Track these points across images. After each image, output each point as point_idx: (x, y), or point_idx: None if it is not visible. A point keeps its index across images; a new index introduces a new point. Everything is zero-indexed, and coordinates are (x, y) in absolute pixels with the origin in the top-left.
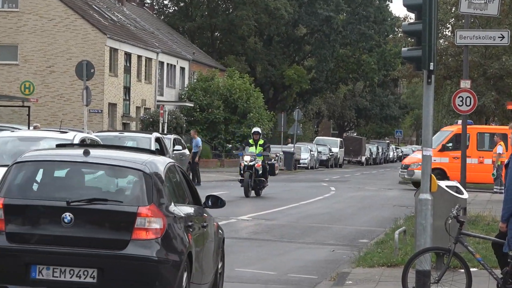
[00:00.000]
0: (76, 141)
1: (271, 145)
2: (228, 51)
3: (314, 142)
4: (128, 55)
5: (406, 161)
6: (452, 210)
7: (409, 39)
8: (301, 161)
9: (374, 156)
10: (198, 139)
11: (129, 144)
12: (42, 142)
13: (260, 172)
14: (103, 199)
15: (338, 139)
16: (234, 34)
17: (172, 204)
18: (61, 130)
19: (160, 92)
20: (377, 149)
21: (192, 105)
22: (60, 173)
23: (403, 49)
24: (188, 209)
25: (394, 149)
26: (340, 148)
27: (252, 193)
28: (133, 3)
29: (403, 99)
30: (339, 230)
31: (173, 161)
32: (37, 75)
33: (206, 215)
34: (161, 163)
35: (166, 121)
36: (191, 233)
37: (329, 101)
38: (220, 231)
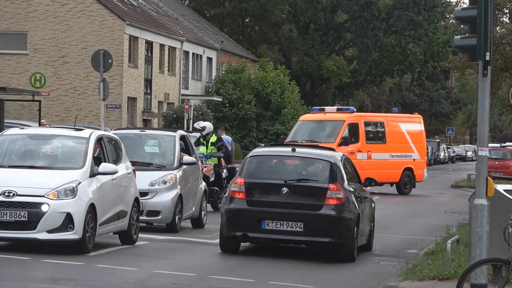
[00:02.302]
0: (93, 139)
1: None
2: (260, 39)
3: None
4: (149, 44)
5: None
6: (511, 217)
7: (462, 26)
8: None
9: None
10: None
11: (151, 143)
12: (55, 141)
13: (212, 179)
14: (306, 179)
15: None
16: (266, 21)
17: (346, 182)
18: (75, 127)
19: (185, 85)
20: (426, 149)
21: (221, 99)
22: (276, 162)
23: (455, 37)
24: (356, 186)
25: (445, 149)
26: None
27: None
28: None
29: (455, 93)
30: (384, 239)
31: (345, 154)
32: (48, 66)
33: (365, 190)
34: (339, 156)
35: (192, 117)
36: (359, 201)
37: (373, 95)
38: (373, 203)
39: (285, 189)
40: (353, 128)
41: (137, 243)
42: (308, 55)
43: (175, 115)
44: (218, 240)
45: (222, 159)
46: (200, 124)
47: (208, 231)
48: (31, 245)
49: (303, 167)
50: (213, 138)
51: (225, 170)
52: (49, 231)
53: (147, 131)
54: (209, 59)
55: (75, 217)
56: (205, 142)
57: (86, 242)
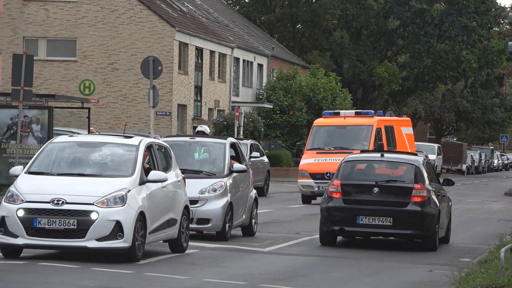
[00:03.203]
0: (143, 147)
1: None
2: (311, 45)
3: None
4: (199, 51)
5: (317, 168)
6: None
7: None
8: None
9: (476, 164)
10: None
11: (201, 150)
12: (104, 148)
13: None
14: (394, 180)
15: (436, 145)
16: (318, 27)
17: (428, 182)
18: (125, 134)
19: (236, 92)
20: (480, 156)
21: (271, 106)
22: (367, 166)
23: (509, 43)
24: (436, 186)
25: (499, 156)
26: (437, 155)
27: None
28: None
29: (509, 100)
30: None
31: (425, 158)
32: (98, 73)
33: (443, 189)
34: (421, 160)
35: (242, 124)
36: (439, 199)
37: (426, 102)
38: (450, 201)
39: (376, 189)
40: (379, 134)
41: (187, 251)
42: (360, 61)
43: (225, 123)
44: (269, 248)
45: None
46: (204, 128)
47: (259, 239)
48: (81, 253)
49: (391, 169)
50: None
51: None
52: (99, 239)
53: (197, 139)
54: (260, 66)
55: (125, 225)
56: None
57: (135, 250)
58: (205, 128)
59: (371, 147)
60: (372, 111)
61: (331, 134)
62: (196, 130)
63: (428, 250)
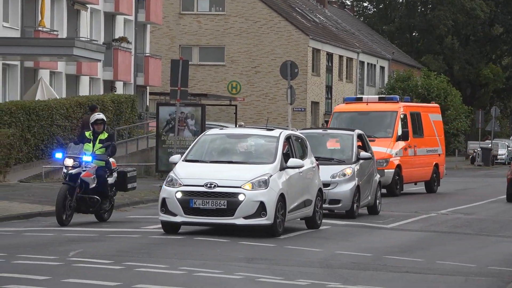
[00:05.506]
0: (282, 138)
1: (470, 142)
2: (426, 50)
3: (511, 138)
4: (329, 55)
5: None
6: None
7: None
8: (498, 156)
9: None
10: None
11: (332, 141)
12: (249, 139)
13: (93, 185)
14: None
15: None
16: (431, 34)
17: None
18: (267, 127)
19: (361, 90)
20: None
21: None
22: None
23: None
24: None
25: None
26: None
27: (92, 217)
28: (334, 5)
29: None
30: None
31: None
32: (243, 75)
33: None
34: None
35: None
36: None
37: None
38: None
39: None
40: (404, 120)
41: (321, 228)
42: (469, 64)
43: None
44: (392, 225)
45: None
46: (102, 115)
47: (383, 217)
48: (230, 229)
49: None
50: (104, 135)
51: (114, 174)
52: (245, 217)
53: (329, 131)
54: (382, 68)
55: (268, 205)
56: (91, 137)
57: (277, 226)
58: (102, 116)
59: (395, 135)
60: (398, 96)
61: (352, 120)
62: (95, 118)
63: None
